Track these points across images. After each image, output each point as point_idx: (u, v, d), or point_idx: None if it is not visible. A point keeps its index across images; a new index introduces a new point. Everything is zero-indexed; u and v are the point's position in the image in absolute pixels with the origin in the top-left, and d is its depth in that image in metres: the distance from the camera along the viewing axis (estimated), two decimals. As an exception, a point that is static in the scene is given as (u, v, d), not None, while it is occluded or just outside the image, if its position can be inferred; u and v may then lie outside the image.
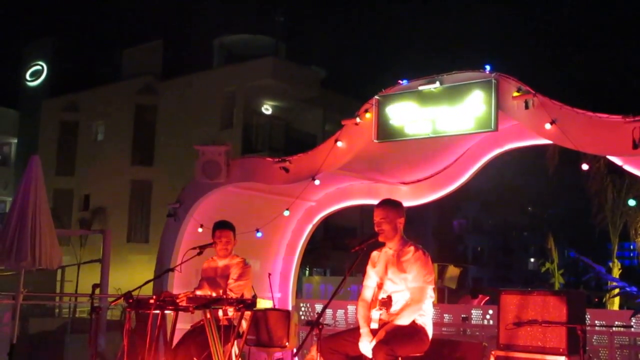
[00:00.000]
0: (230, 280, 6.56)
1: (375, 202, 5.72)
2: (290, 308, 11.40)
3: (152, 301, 5.65)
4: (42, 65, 39.56)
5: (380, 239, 5.54)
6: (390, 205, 5.63)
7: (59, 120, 36.90)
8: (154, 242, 20.33)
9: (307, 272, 32.57)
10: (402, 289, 5.39)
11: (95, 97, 35.61)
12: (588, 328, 8.26)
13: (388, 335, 5.19)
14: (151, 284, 7.28)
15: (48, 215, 8.99)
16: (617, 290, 20.38)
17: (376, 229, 5.53)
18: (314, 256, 28.92)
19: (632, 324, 8.96)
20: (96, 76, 36.68)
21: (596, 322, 9.03)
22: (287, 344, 6.81)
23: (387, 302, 5.39)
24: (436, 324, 9.81)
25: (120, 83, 35.18)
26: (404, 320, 5.27)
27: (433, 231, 44.94)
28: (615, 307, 20.03)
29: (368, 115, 8.75)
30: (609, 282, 20.70)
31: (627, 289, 19.87)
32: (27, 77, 40.09)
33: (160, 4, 35.54)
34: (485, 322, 10.23)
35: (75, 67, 37.85)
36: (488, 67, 7.97)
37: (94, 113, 35.90)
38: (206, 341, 5.76)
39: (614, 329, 8.76)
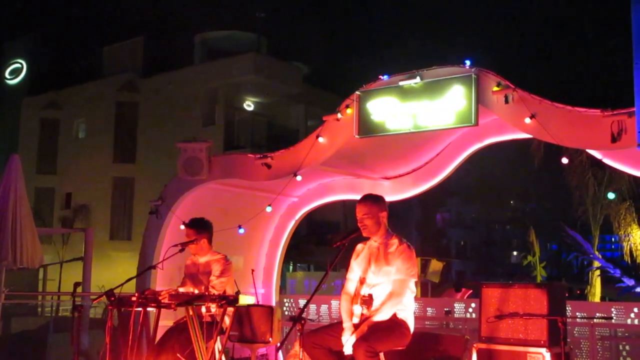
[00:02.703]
0: (212, 277, 6.57)
1: (357, 197, 5.74)
2: (273, 304, 11.41)
3: (134, 298, 5.64)
4: (21, 63, 39.26)
5: (364, 234, 5.56)
6: (372, 200, 5.63)
7: (39, 118, 36.64)
8: (137, 240, 20.28)
9: (290, 267, 32.59)
10: (383, 282, 5.41)
11: (76, 94, 35.40)
12: (569, 320, 8.34)
13: (368, 331, 5.21)
14: (134, 281, 7.27)
15: (29, 213, 8.96)
16: (598, 272, 20.61)
17: (359, 225, 5.54)
18: (298, 252, 28.94)
19: (612, 315, 9.05)
20: (77, 74, 36.44)
21: (577, 314, 9.12)
22: (270, 339, 6.82)
23: (368, 301, 5.40)
24: (419, 318, 9.90)
25: (101, 80, 34.98)
26: (384, 315, 5.29)
27: (416, 225, 45.09)
28: (597, 299, 20.23)
29: (349, 110, 8.78)
30: (593, 262, 20.92)
31: (612, 271, 20.03)
32: (7, 75, 39.77)
33: (141, 1, 35.34)
34: (468, 315, 10.30)
35: (56, 64, 37.57)
36: (468, 62, 8.02)
37: (74, 111, 35.70)
38: (189, 338, 5.76)
39: (594, 320, 8.84)
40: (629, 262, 20.46)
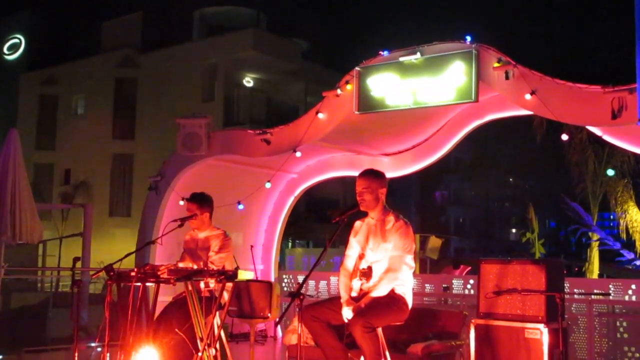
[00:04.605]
0: (211, 253, 6.56)
1: (356, 173, 5.71)
2: (272, 280, 11.46)
3: (133, 274, 5.64)
4: (19, 39, 39.05)
5: (362, 208, 5.53)
6: (373, 175, 5.60)
7: (38, 94, 36.49)
8: (136, 216, 20.31)
9: (289, 244, 32.64)
10: (382, 259, 5.41)
11: (75, 70, 35.24)
12: (567, 296, 8.38)
13: (366, 307, 5.22)
14: (133, 257, 7.27)
15: (28, 189, 8.96)
16: (597, 248, 20.64)
17: (358, 198, 5.52)
18: (297, 228, 28.97)
19: (610, 292, 9.09)
20: (75, 49, 36.24)
21: (575, 290, 9.15)
22: (269, 315, 6.83)
23: (367, 273, 5.40)
24: (418, 294, 9.95)
25: (99, 56, 34.81)
26: (381, 291, 5.29)
27: (416, 203, 45.15)
28: (595, 276, 20.29)
29: (349, 86, 8.77)
30: (591, 234, 20.94)
31: (611, 244, 20.02)
32: (5, 50, 39.56)
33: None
34: (466, 291, 10.34)
35: (54, 40, 37.37)
36: (469, 38, 8.00)
37: (73, 86, 35.55)
38: (188, 313, 5.78)
39: (592, 297, 8.88)
40: (625, 239, 20.49)
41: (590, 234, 21.16)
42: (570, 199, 21.89)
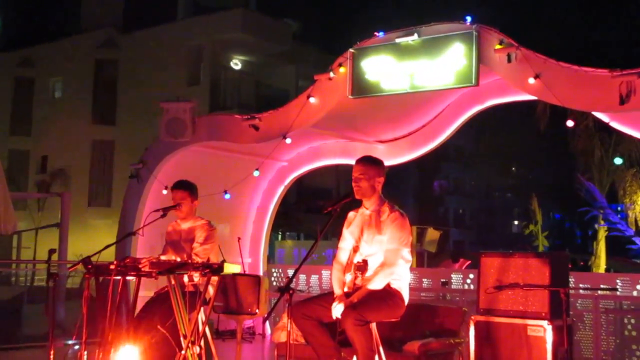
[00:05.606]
0: (196, 244, 6.54)
1: (350, 161, 5.71)
2: (261, 273, 11.46)
3: (112, 267, 5.61)
4: (-7, 17, 38.88)
5: (357, 196, 5.51)
6: (371, 162, 5.59)
7: (13, 76, 36.32)
8: (117, 206, 20.27)
9: (279, 236, 32.65)
10: (377, 252, 5.40)
11: (52, 51, 35.07)
12: (572, 291, 8.39)
13: (359, 300, 5.21)
14: (113, 249, 7.25)
15: (1, 177, 8.91)
16: (605, 233, 20.60)
17: (353, 185, 5.51)
18: (287, 219, 28.96)
19: (617, 287, 9.09)
20: (53, 29, 36.06)
21: (580, 285, 9.16)
22: (257, 311, 6.82)
23: (362, 267, 5.38)
24: (415, 289, 9.96)
25: (78, 36, 34.61)
26: (376, 285, 5.28)
27: (413, 192, 45.22)
28: (601, 270, 20.31)
29: (342, 69, 8.75)
30: (601, 219, 20.89)
31: (623, 229, 19.93)
32: (-22, 30, 39.40)
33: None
34: (466, 286, 10.34)
35: (30, 19, 37.21)
36: (469, 18, 7.98)
37: (50, 69, 35.40)
38: (171, 308, 5.75)
39: (599, 292, 8.88)
40: (635, 231, 20.52)
41: (599, 219, 21.08)
42: (576, 189, 21.88)
